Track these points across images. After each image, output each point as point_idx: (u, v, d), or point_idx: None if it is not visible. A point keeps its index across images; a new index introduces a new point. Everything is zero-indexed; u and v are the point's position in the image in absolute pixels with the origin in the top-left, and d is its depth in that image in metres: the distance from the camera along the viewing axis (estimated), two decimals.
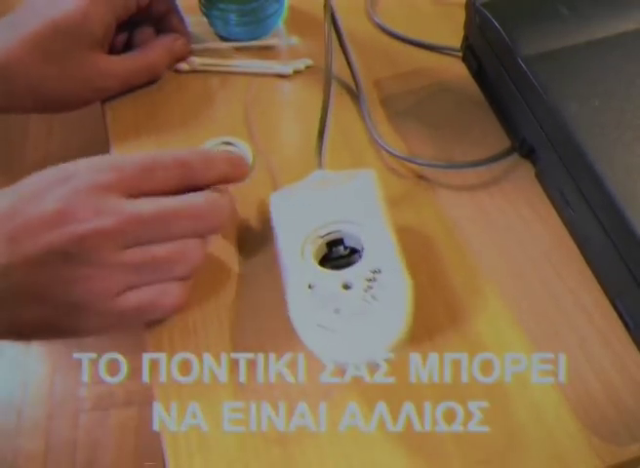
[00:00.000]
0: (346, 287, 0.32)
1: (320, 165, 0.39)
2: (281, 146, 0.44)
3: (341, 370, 0.34)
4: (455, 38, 0.45)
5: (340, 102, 0.46)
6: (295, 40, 0.51)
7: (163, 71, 0.48)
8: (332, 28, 0.44)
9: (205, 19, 0.50)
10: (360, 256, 0.33)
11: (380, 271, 0.32)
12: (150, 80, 0.48)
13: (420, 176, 0.42)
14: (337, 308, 0.31)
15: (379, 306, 0.31)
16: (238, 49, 0.50)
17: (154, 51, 0.47)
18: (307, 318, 0.31)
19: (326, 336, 0.30)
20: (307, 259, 0.33)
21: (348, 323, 0.30)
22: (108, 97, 0.47)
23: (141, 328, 0.36)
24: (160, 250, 0.33)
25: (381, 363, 0.30)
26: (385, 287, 0.31)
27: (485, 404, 0.33)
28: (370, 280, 0.32)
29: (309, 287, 0.32)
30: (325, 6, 0.43)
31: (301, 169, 0.39)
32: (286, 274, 0.33)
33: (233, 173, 0.36)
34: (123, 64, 0.46)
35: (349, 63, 0.46)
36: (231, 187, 0.36)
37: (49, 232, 0.30)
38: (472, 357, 0.34)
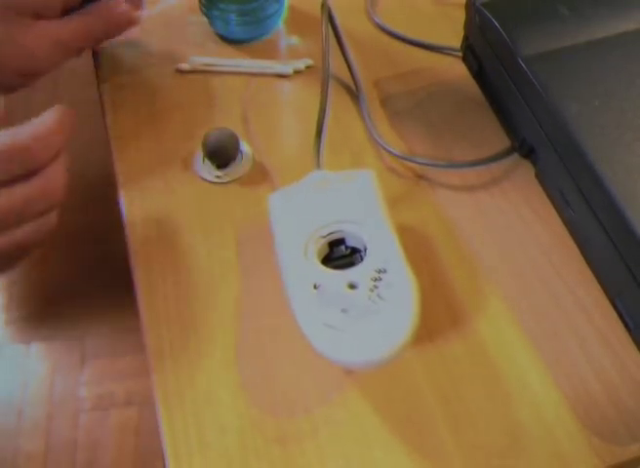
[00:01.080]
0: (352, 286, 0.32)
1: (318, 165, 0.39)
2: (281, 146, 0.45)
3: (342, 370, 0.34)
4: (455, 38, 0.46)
5: (340, 102, 0.46)
6: (295, 40, 0.51)
7: (100, 38, 0.46)
8: (329, 28, 0.44)
9: (205, 19, 0.50)
10: (361, 256, 0.33)
11: (385, 271, 0.32)
12: (87, 46, 0.45)
13: (420, 176, 0.42)
14: (343, 308, 0.31)
15: (386, 306, 0.31)
16: (238, 49, 0.50)
17: (91, 15, 0.44)
18: (314, 318, 0.31)
19: (334, 336, 0.30)
20: (311, 259, 0.33)
21: (356, 322, 0.30)
22: (49, 71, 0.44)
23: (142, 328, 0.36)
24: None
25: (388, 362, 0.30)
26: (392, 286, 0.31)
27: (485, 404, 0.33)
28: (375, 279, 0.32)
29: (315, 287, 0.32)
30: (322, 6, 0.43)
31: (301, 169, 0.39)
32: (289, 274, 0.33)
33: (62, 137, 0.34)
34: (58, 27, 0.43)
35: (348, 63, 0.46)
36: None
37: None
38: (472, 357, 0.34)
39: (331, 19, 0.44)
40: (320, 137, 0.41)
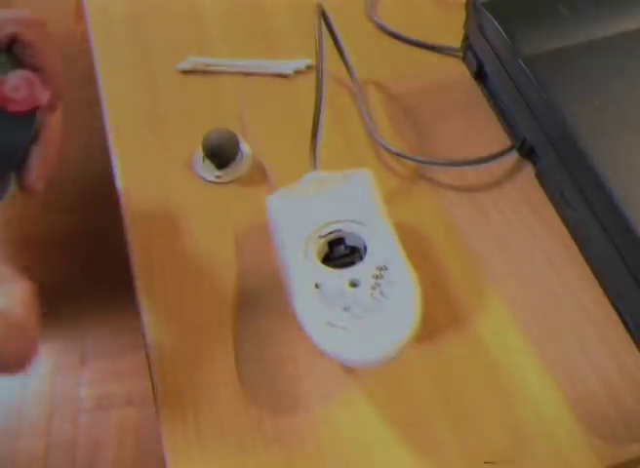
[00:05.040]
0: (353, 284, 0.32)
1: (315, 166, 0.39)
2: (281, 147, 0.44)
3: (342, 369, 0.34)
4: (455, 38, 0.46)
5: (340, 103, 0.46)
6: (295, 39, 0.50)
7: None
8: (323, 28, 0.43)
9: (205, 19, 0.50)
10: (361, 255, 0.33)
11: (385, 268, 0.32)
12: None
13: (420, 176, 0.42)
14: (346, 306, 0.31)
15: (388, 303, 0.31)
16: (238, 49, 0.50)
17: None
18: (316, 317, 0.31)
19: (337, 334, 0.30)
20: (311, 259, 0.33)
21: (359, 320, 0.31)
22: None
23: (142, 328, 0.36)
24: None
25: (392, 359, 0.30)
26: (393, 283, 0.31)
27: (485, 404, 0.33)
28: (376, 277, 0.32)
29: (316, 286, 0.32)
30: (317, 6, 0.43)
31: (301, 169, 0.39)
32: (290, 274, 0.33)
33: None
34: None
35: (345, 63, 0.46)
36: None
37: None
38: (472, 357, 0.34)
39: (326, 20, 0.44)
40: (316, 138, 0.40)
